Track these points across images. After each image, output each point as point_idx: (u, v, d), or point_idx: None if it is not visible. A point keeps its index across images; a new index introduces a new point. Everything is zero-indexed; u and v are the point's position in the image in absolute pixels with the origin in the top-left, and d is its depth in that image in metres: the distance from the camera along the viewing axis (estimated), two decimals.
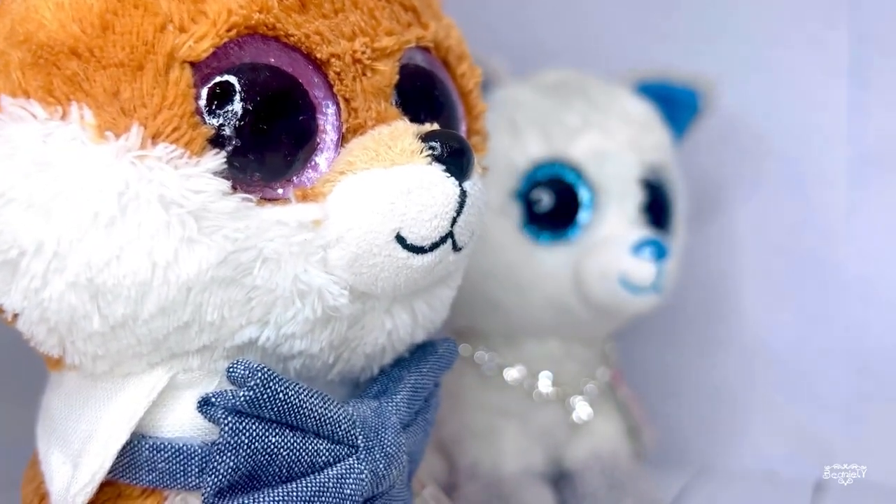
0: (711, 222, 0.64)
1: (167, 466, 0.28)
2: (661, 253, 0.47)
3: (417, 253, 0.28)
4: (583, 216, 0.49)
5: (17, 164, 0.25)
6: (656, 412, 0.59)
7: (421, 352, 0.34)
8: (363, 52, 0.29)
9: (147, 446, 0.28)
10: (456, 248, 0.29)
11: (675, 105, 0.56)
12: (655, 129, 0.52)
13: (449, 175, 0.28)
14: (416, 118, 0.30)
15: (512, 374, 0.52)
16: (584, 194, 0.49)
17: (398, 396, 0.32)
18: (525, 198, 0.49)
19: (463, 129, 0.34)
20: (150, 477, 0.28)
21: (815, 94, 0.62)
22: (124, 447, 0.28)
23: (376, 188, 0.27)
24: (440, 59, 0.33)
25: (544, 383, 0.52)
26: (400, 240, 0.28)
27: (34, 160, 0.25)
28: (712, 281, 0.65)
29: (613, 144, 0.49)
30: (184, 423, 0.29)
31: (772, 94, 0.63)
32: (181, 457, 0.28)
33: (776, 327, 0.63)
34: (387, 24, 0.30)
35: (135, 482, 0.29)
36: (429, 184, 0.28)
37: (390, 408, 0.31)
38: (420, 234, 0.28)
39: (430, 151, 0.28)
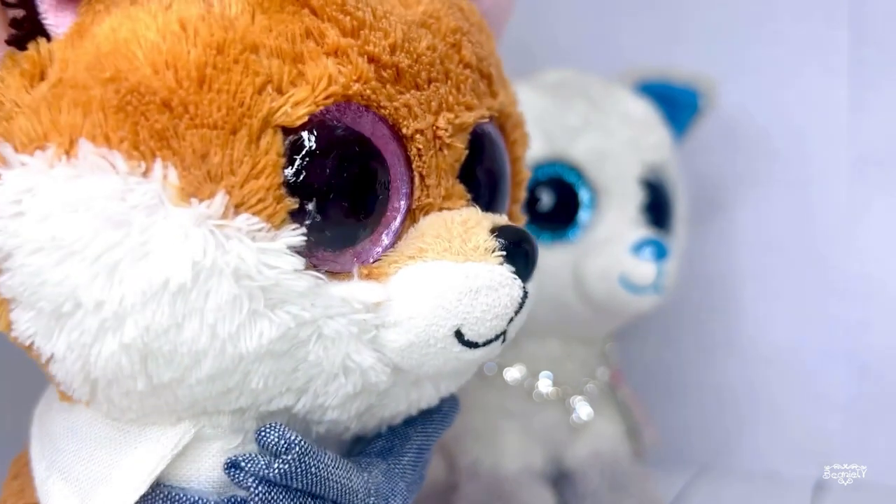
0: (712, 222, 0.64)
1: None
2: (661, 253, 0.47)
3: (471, 348, 0.28)
4: (583, 216, 0.49)
5: (89, 218, 0.23)
6: (656, 412, 0.59)
7: (426, 411, 0.33)
8: (445, 130, 0.28)
9: (161, 495, 0.27)
10: (504, 341, 0.29)
11: (676, 105, 0.56)
12: (656, 128, 0.52)
13: (516, 277, 0.28)
14: (474, 188, 0.30)
15: (512, 374, 0.52)
16: (584, 194, 0.49)
17: (405, 459, 0.31)
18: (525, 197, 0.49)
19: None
20: None
21: (815, 94, 0.62)
22: None
23: (446, 282, 0.27)
24: (499, 126, 0.33)
25: (544, 383, 0.52)
26: (458, 335, 0.27)
27: (109, 216, 0.23)
28: (712, 281, 0.65)
29: (614, 144, 0.49)
30: (201, 476, 0.28)
31: (772, 94, 0.63)
32: None
33: (776, 327, 0.63)
34: (468, 98, 0.29)
35: None
36: (497, 285, 0.27)
37: (398, 471, 0.31)
38: (479, 332, 0.27)
39: (503, 252, 0.27)
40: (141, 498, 0.27)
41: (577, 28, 0.68)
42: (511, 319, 0.28)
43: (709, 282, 0.65)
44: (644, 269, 0.47)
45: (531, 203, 0.48)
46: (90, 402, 0.27)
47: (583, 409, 0.53)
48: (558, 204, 0.49)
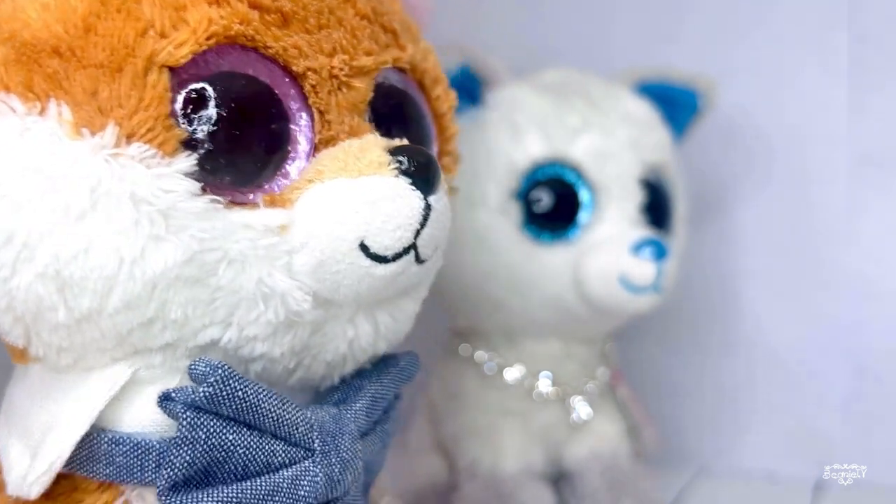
0: (711, 222, 0.64)
1: (125, 461, 0.29)
2: (660, 253, 0.47)
3: (380, 262, 0.29)
4: (583, 216, 0.49)
5: None
6: (656, 412, 0.59)
7: (383, 364, 0.35)
8: (341, 69, 0.30)
9: (106, 440, 0.29)
10: (419, 260, 0.30)
11: (675, 105, 0.55)
12: (656, 128, 0.52)
13: (415, 188, 0.29)
14: (387, 134, 0.31)
15: (512, 373, 0.52)
16: (584, 194, 0.49)
17: (357, 405, 0.33)
18: (525, 198, 0.49)
19: (434, 150, 0.36)
20: (108, 471, 0.29)
21: (815, 94, 0.62)
22: (84, 440, 0.28)
23: (342, 197, 0.28)
24: (415, 81, 0.35)
25: (544, 383, 0.52)
26: (364, 248, 0.28)
27: (10, 153, 0.26)
28: (712, 281, 0.65)
29: (614, 144, 0.49)
30: (143, 419, 0.29)
31: (772, 94, 0.63)
32: (139, 451, 0.29)
33: (776, 327, 0.63)
34: (366, 45, 0.32)
35: (92, 475, 0.29)
36: (394, 195, 0.29)
37: (349, 415, 0.32)
38: (383, 243, 0.29)
39: (398, 165, 0.29)
40: (88, 444, 0.28)
41: (576, 28, 0.68)
42: (418, 232, 0.29)
43: (709, 282, 0.65)
44: (644, 269, 0.47)
45: (531, 203, 0.49)
46: (28, 347, 0.29)
47: (583, 409, 0.53)
48: (558, 204, 0.49)
